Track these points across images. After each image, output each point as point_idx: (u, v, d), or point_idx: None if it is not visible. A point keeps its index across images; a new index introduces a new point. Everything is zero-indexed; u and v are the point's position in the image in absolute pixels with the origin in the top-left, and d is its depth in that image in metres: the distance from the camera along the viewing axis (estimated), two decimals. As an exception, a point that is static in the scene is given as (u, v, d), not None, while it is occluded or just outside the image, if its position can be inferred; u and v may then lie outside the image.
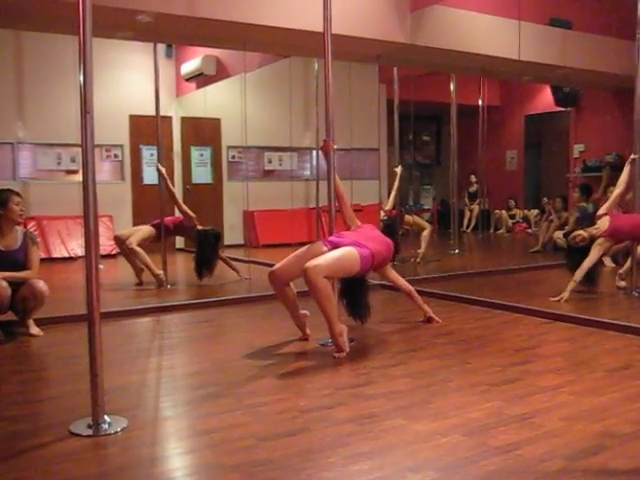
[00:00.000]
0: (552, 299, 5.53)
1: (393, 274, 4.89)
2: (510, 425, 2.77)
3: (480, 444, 2.57)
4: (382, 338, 4.47)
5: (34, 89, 9.03)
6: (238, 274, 7.05)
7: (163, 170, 6.83)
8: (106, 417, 2.83)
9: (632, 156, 5.80)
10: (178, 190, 10.08)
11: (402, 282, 4.93)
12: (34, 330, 4.64)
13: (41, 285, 4.57)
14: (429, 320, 4.90)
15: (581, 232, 5.82)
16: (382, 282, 6.42)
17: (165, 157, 8.49)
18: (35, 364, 4.19)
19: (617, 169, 9.10)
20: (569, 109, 10.26)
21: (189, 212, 6.93)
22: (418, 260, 8.15)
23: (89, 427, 2.79)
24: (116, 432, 2.76)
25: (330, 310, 3.96)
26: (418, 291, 5.62)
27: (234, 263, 7.20)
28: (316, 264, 3.90)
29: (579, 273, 5.58)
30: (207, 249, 6.77)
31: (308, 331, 4.44)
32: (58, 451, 2.59)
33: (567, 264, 5.91)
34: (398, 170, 8.32)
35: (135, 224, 9.74)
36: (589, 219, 8.24)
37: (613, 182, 8.41)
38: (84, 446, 2.65)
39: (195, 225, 6.94)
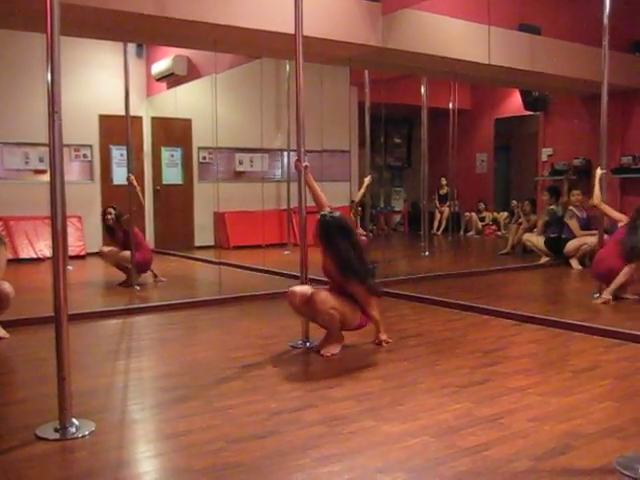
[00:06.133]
0: (595, 301, 5.59)
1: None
2: (479, 426, 2.79)
3: (449, 445, 2.59)
4: (352, 340, 4.47)
5: (1, 87, 8.89)
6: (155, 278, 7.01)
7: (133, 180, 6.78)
8: (73, 420, 2.79)
9: (599, 171, 5.76)
10: (148, 191, 10.03)
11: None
12: (0, 332, 4.57)
13: (6, 287, 4.48)
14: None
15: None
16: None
17: (135, 157, 8.42)
18: (1, 367, 4.11)
19: (583, 173, 9.26)
20: (538, 113, 10.39)
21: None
22: None
23: (56, 431, 2.75)
24: (84, 436, 2.73)
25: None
26: (388, 293, 5.65)
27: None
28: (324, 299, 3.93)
29: (615, 285, 5.61)
30: None
31: None
32: (24, 456, 2.55)
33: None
34: (367, 180, 8.35)
35: (105, 225, 9.66)
36: (558, 222, 8.36)
37: (575, 185, 8.56)
38: (51, 450, 2.62)
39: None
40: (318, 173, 8.79)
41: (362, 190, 8.32)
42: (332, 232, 4.02)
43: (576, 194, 8.14)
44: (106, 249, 6.91)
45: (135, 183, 6.69)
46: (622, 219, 5.79)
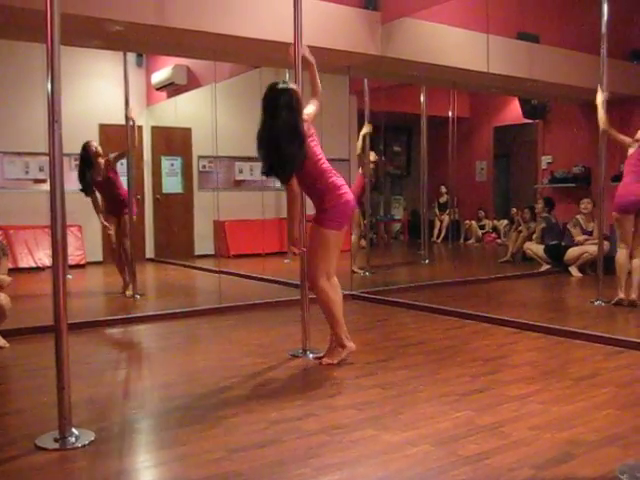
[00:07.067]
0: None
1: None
2: (479, 435, 2.78)
3: (450, 454, 2.58)
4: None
5: (1, 97, 8.91)
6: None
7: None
8: (73, 430, 2.78)
9: (600, 96, 6.02)
10: (148, 200, 10.03)
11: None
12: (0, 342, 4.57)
13: (1, 298, 4.47)
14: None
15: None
16: (352, 292, 6.44)
17: (135, 166, 8.43)
18: (0, 376, 4.11)
19: (583, 181, 9.30)
20: (537, 121, 10.41)
21: None
22: None
23: (56, 441, 2.75)
24: (83, 445, 2.72)
25: (329, 317, 3.99)
26: (388, 301, 5.64)
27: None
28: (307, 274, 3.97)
29: None
30: None
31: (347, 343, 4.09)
32: (24, 466, 2.55)
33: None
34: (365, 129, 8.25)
35: (104, 234, 9.67)
36: (554, 229, 8.40)
37: (585, 194, 8.58)
38: (50, 460, 2.61)
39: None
40: (318, 181, 8.79)
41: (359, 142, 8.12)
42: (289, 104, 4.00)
43: (585, 202, 8.12)
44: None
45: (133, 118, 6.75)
46: (628, 140, 5.99)
